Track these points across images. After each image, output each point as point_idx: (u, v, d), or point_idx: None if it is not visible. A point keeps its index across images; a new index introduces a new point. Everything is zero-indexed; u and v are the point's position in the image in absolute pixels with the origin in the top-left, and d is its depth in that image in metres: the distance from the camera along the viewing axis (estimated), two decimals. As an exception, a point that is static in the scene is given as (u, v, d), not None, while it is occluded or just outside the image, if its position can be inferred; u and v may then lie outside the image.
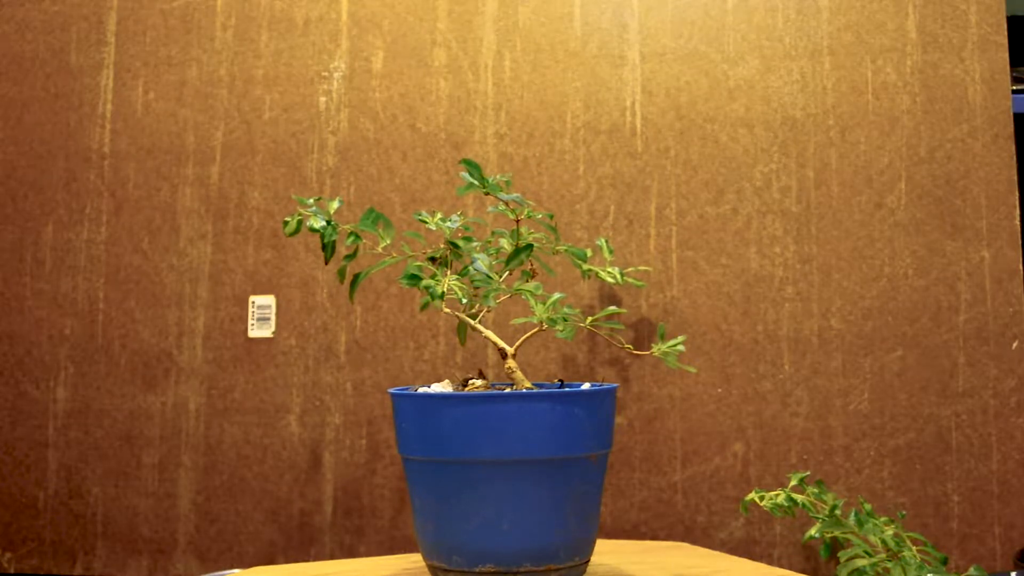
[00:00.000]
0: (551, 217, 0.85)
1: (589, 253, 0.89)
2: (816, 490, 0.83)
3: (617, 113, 1.11)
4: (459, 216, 0.81)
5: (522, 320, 0.82)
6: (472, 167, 0.73)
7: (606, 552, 0.93)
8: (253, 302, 1.11)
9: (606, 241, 0.96)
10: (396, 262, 0.88)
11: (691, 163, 1.10)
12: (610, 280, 0.92)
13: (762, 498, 0.84)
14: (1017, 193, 1.08)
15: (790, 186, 1.09)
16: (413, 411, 0.77)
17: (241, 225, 1.12)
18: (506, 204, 0.76)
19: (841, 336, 1.06)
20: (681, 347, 0.89)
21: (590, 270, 0.90)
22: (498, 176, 0.77)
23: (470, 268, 0.76)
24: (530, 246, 0.77)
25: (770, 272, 1.08)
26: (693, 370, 1.02)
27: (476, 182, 0.73)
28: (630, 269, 1.04)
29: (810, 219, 1.08)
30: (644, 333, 1.08)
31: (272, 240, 1.11)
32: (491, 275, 0.76)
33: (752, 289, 1.08)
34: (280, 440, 1.09)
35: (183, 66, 1.14)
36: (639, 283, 0.97)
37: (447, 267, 0.81)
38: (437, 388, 0.81)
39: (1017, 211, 1.07)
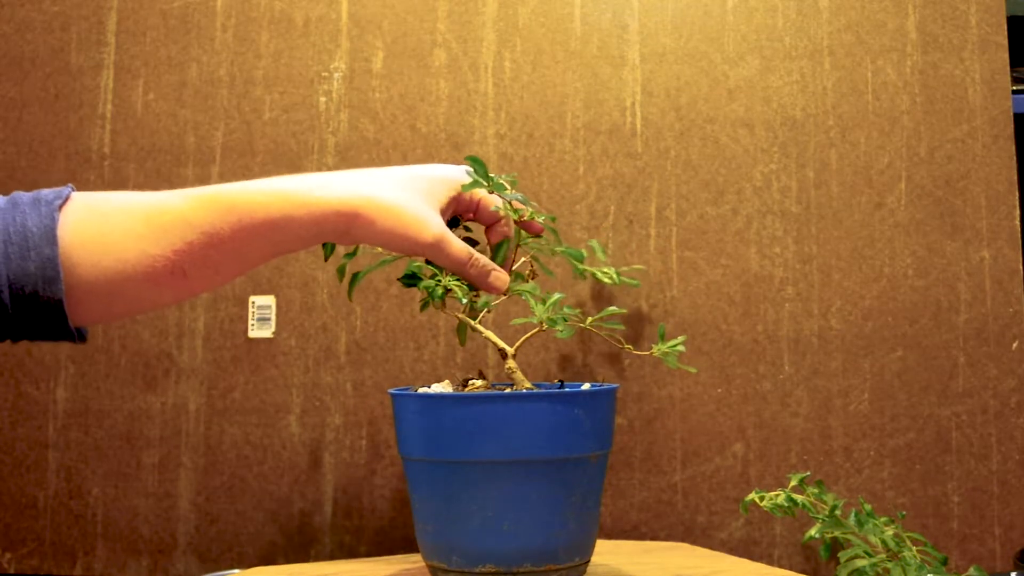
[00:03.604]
0: (553, 220, 0.84)
1: (586, 254, 0.89)
2: (816, 490, 0.83)
3: (617, 113, 1.11)
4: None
5: (522, 320, 0.82)
6: (477, 164, 0.73)
7: (606, 552, 0.93)
8: (253, 302, 1.11)
9: (599, 244, 0.96)
10: (395, 261, 0.88)
11: (691, 163, 1.10)
12: (606, 280, 0.92)
13: (762, 498, 0.84)
14: (1017, 193, 1.08)
15: (790, 186, 1.09)
16: (413, 411, 0.77)
17: (241, 225, 1.12)
18: (509, 204, 0.76)
19: (841, 336, 1.06)
20: (681, 347, 0.89)
21: (586, 270, 0.90)
22: (502, 175, 0.76)
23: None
24: (506, 241, 0.77)
25: (770, 272, 1.08)
26: (693, 370, 1.02)
27: (481, 179, 0.72)
28: (625, 269, 1.04)
29: (810, 219, 1.08)
30: (644, 333, 1.08)
31: (272, 240, 1.11)
32: None
33: (752, 289, 1.08)
34: (280, 440, 1.09)
35: (183, 66, 1.14)
36: (634, 282, 0.97)
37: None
38: (437, 388, 0.81)
39: (1017, 211, 1.07)
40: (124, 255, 0.60)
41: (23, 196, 0.60)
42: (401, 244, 0.66)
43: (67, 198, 0.61)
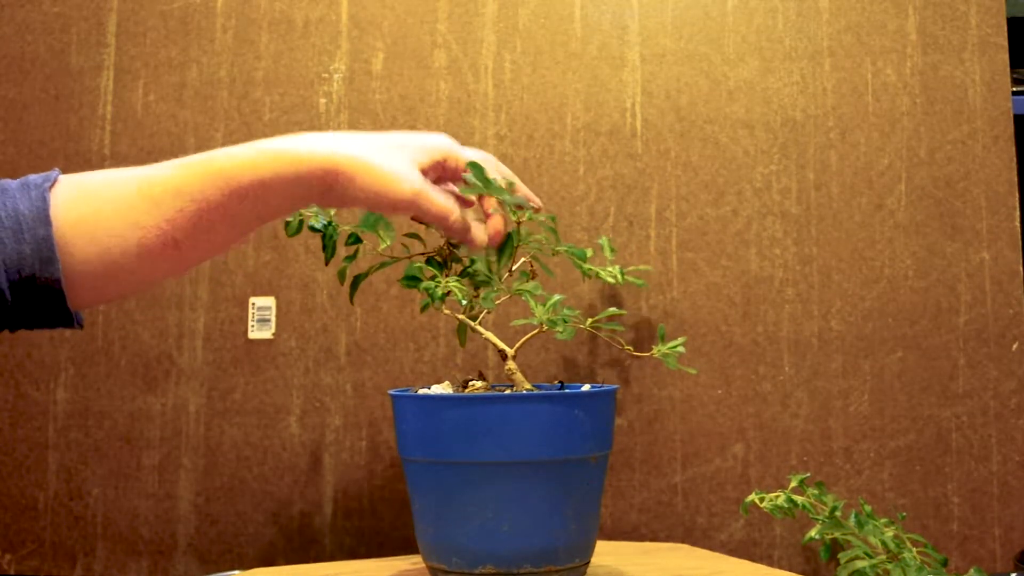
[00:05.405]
0: (553, 220, 0.84)
1: (590, 253, 0.89)
2: (816, 491, 0.83)
3: (617, 115, 1.11)
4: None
5: (522, 321, 0.82)
6: (477, 169, 0.73)
7: (606, 553, 0.93)
8: (253, 303, 1.11)
9: (608, 241, 0.96)
10: (396, 263, 0.88)
11: (691, 164, 1.10)
12: (610, 280, 0.92)
13: (762, 500, 0.84)
14: (1017, 195, 1.08)
15: (790, 187, 1.09)
16: (413, 412, 0.77)
17: (241, 226, 1.12)
18: (508, 207, 0.76)
19: (841, 337, 1.06)
20: (681, 348, 0.89)
21: (590, 270, 0.90)
22: (501, 179, 0.76)
23: (470, 269, 0.76)
24: (510, 236, 0.77)
25: (770, 274, 1.08)
26: (693, 371, 1.02)
27: (480, 184, 0.72)
28: (631, 268, 1.04)
29: (810, 220, 1.08)
30: (644, 334, 1.08)
31: (272, 241, 1.11)
32: (491, 274, 0.75)
33: (752, 291, 1.08)
34: (280, 442, 1.09)
35: (183, 68, 1.14)
36: (639, 282, 0.97)
37: (447, 268, 0.81)
38: (437, 389, 0.81)
39: (1017, 213, 1.07)
40: (118, 229, 0.60)
41: (10, 182, 0.60)
42: (381, 201, 0.66)
43: (55, 180, 0.61)
